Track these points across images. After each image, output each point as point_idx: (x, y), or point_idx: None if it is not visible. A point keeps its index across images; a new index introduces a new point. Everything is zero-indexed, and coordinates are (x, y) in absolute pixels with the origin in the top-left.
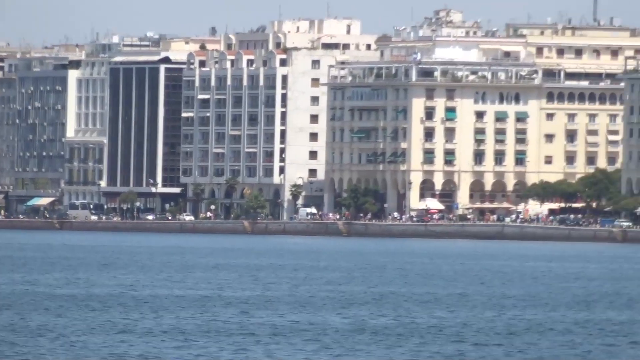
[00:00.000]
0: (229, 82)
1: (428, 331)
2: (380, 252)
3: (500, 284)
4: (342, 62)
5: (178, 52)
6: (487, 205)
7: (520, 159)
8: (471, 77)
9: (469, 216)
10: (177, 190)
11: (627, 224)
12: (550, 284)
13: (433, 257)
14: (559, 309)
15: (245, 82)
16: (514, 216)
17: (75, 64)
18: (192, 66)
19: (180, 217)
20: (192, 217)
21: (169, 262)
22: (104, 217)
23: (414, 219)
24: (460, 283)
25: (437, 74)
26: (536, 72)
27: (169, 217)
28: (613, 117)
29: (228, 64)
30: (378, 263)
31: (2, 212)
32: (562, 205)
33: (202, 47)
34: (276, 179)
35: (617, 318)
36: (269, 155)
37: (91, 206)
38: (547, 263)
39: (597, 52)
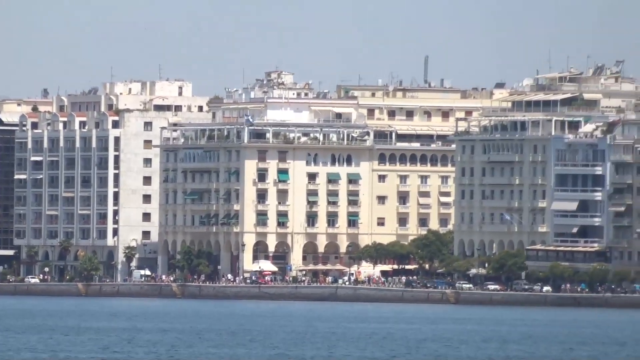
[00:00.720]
0: (61, 143)
1: None
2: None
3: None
4: (175, 124)
5: (10, 113)
6: (320, 267)
7: (352, 221)
8: (303, 139)
9: (302, 278)
10: (10, 252)
11: (468, 285)
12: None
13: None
14: None
15: (78, 144)
16: (345, 278)
17: None
18: (24, 128)
19: (26, 279)
20: (37, 280)
21: None
22: None
23: (248, 281)
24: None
25: (269, 135)
26: (368, 133)
27: (10, 280)
28: (445, 178)
29: (60, 126)
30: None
31: None
32: (395, 267)
33: (35, 108)
34: (110, 241)
35: None
36: (103, 217)
37: None
38: (367, 324)
39: (428, 113)
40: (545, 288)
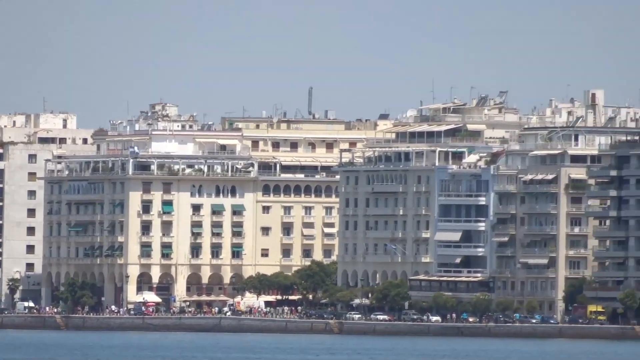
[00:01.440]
0: None
1: None
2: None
3: None
4: (59, 156)
5: None
6: (204, 297)
7: (236, 252)
8: (188, 171)
9: (187, 309)
10: None
11: (358, 315)
12: None
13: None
14: None
15: None
16: (226, 308)
17: None
18: None
19: None
20: None
21: None
22: None
23: (132, 312)
24: None
25: (153, 167)
26: (252, 165)
27: None
28: (329, 209)
29: None
30: None
31: None
32: (279, 297)
33: None
34: None
35: None
36: None
37: None
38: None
39: (312, 145)
40: (434, 318)
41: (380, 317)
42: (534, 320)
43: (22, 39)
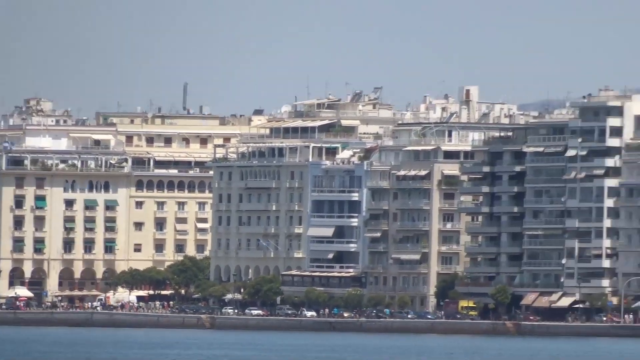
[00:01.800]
0: None
1: None
2: None
3: None
4: None
5: None
6: (76, 292)
7: (109, 247)
8: (61, 166)
9: (59, 304)
10: None
11: (232, 310)
12: None
13: None
14: None
15: None
16: (96, 303)
17: None
18: None
19: None
20: None
21: None
22: None
23: (3, 307)
24: None
25: (27, 162)
26: (126, 160)
27: None
28: (202, 205)
29: None
30: None
31: None
32: (151, 292)
33: None
34: None
35: None
36: None
37: None
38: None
39: (186, 140)
40: (310, 313)
41: (255, 312)
42: (409, 316)
43: None
